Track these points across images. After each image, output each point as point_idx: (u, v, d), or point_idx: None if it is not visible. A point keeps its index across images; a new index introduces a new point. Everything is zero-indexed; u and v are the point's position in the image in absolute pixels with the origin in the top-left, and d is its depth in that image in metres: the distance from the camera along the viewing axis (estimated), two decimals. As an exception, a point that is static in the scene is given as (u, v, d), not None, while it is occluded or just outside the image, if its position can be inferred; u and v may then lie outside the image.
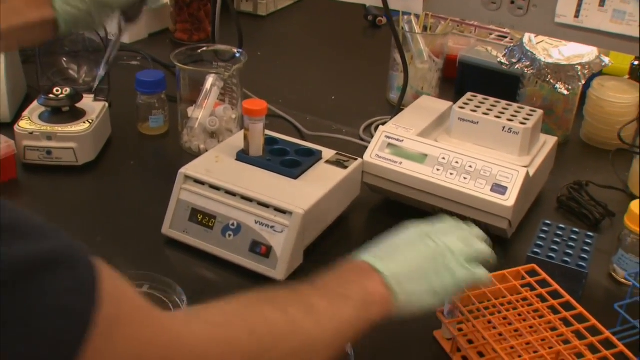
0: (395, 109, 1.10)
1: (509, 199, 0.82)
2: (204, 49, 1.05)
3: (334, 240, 0.87)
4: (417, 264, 0.59)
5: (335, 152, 0.90)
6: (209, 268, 0.81)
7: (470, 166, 0.85)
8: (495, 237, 0.87)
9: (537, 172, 0.88)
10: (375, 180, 0.90)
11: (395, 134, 0.89)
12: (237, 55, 1.05)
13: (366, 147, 0.90)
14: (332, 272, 0.57)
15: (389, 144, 0.89)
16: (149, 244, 0.84)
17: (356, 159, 0.89)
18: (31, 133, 0.95)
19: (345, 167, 0.87)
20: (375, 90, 1.28)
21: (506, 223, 0.83)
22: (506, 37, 1.33)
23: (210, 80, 1.01)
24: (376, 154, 0.89)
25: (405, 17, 1.17)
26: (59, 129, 0.95)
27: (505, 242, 0.87)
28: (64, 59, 1.13)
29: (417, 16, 1.18)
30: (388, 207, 0.94)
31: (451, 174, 0.85)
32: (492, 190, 0.83)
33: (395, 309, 0.56)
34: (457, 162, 0.85)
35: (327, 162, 0.88)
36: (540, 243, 0.80)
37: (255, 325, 0.46)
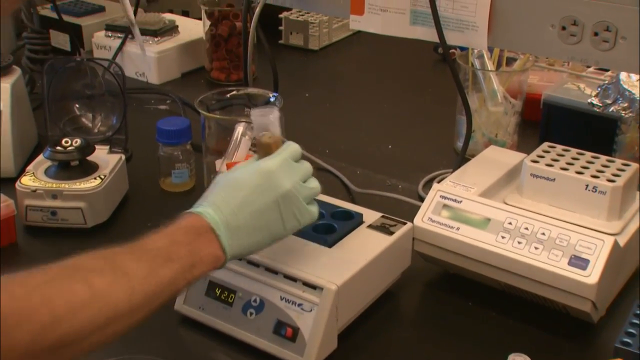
0: (455, 162, 1.10)
1: (592, 275, 0.80)
2: (234, 92, 1.10)
3: (378, 322, 0.87)
4: (258, 213, 0.75)
5: (380, 214, 0.92)
6: (228, 352, 0.83)
7: (544, 233, 0.84)
8: (577, 322, 0.85)
9: (630, 242, 0.86)
10: (429, 249, 0.90)
11: (452, 193, 0.90)
12: (272, 99, 1.08)
13: (425, 208, 0.91)
14: (164, 229, 0.71)
15: (445, 206, 0.89)
16: (161, 322, 0.87)
17: (405, 224, 0.90)
18: (34, 191, 1.00)
19: (392, 233, 0.88)
20: (442, 137, 1.29)
21: (589, 305, 0.81)
22: (608, 70, 1.31)
23: (239, 129, 1.04)
24: (429, 217, 0.90)
25: (476, 50, 1.19)
26: (66, 186, 1.01)
27: (589, 329, 0.85)
28: (77, 105, 1.20)
29: (490, 49, 1.19)
30: (446, 281, 0.94)
31: (519, 242, 0.84)
32: (570, 263, 0.81)
33: (225, 262, 0.74)
34: (526, 228, 0.85)
35: (370, 226, 0.89)
36: (633, 331, 0.78)
37: (52, 296, 0.60)
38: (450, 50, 1.28)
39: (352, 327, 0.85)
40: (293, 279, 0.81)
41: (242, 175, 0.77)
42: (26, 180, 1.02)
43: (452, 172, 0.99)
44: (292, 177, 0.77)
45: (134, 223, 1.07)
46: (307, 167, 0.81)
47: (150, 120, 1.33)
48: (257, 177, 0.76)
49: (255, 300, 0.82)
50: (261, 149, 0.81)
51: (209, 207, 0.74)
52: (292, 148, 0.81)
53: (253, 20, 1.13)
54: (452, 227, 0.88)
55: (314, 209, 0.80)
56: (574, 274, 0.81)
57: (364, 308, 0.87)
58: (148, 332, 0.84)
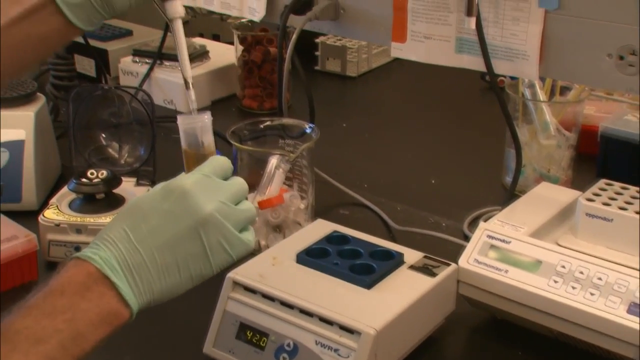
0: (504, 199, 1.11)
1: (653, 324, 0.80)
2: (268, 123, 1.12)
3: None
4: (170, 246, 0.66)
5: (422, 254, 0.93)
6: (259, 399, 0.84)
7: (600, 278, 0.84)
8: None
9: (694, 288, 0.86)
10: (474, 293, 0.91)
11: (500, 232, 0.91)
12: (308, 131, 1.10)
13: (469, 248, 0.92)
14: (42, 291, 0.63)
15: (492, 246, 0.90)
16: (188, 365, 0.89)
17: (449, 265, 0.91)
18: (57, 225, 1.03)
19: (435, 275, 0.89)
20: (489, 171, 1.29)
21: (649, 356, 0.81)
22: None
23: (273, 161, 1.06)
24: (475, 258, 0.90)
25: (527, 79, 1.20)
26: (91, 220, 1.04)
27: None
28: (103, 134, 1.23)
29: (542, 78, 1.20)
30: (493, 327, 0.94)
31: (573, 287, 0.84)
32: (629, 311, 0.81)
33: (133, 315, 0.67)
34: (581, 272, 0.85)
35: (412, 267, 0.91)
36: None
37: None
38: (499, 79, 1.30)
39: (392, 375, 0.85)
40: (329, 322, 0.82)
41: (147, 200, 0.68)
42: (49, 214, 1.05)
43: (500, 210, 1.00)
44: (214, 197, 0.68)
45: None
46: (237, 184, 0.73)
47: (179, 150, 1.36)
48: (167, 199, 0.68)
49: (288, 345, 0.83)
50: (190, 162, 0.75)
51: (103, 246, 0.65)
52: (215, 161, 0.73)
53: (289, 46, 1.16)
54: (500, 270, 0.88)
55: (249, 236, 0.72)
56: (634, 322, 0.81)
57: (405, 355, 0.87)
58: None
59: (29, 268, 1.01)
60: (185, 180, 0.69)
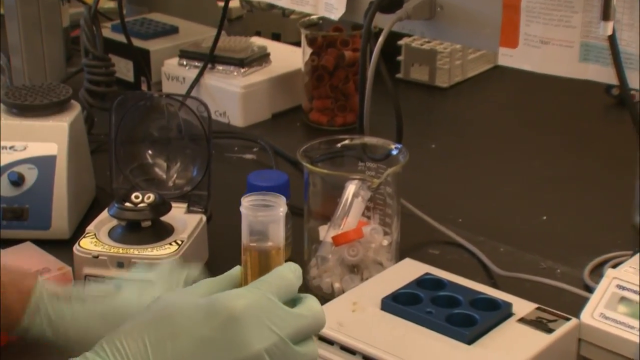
0: (635, 242, 1.11)
1: None
2: (346, 142, 1.15)
3: None
4: None
5: (535, 306, 0.94)
6: None
7: None
8: None
9: None
10: (600, 355, 0.92)
11: (632, 282, 0.92)
12: (394, 152, 1.12)
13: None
14: None
15: (623, 298, 0.91)
16: None
17: (568, 319, 0.92)
18: (96, 257, 1.07)
19: (551, 331, 0.90)
20: (615, 208, 1.29)
21: None
22: None
23: (351, 188, 1.08)
24: (601, 312, 0.92)
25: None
26: (136, 252, 1.07)
27: None
28: (150, 151, 1.27)
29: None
30: (621, 399, 0.95)
31: None
32: None
33: None
34: None
35: (522, 320, 0.92)
36: None
37: None
38: (632, 92, 1.31)
39: None
40: None
41: (184, 312, 0.65)
42: (86, 243, 1.08)
43: (631, 256, 1.01)
44: (270, 331, 0.65)
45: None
46: (306, 316, 0.68)
47: (233, 172, 1.40)
48: (209, 321, 0.65)
49: (371, 409, 0.86)
50: (250, 262, 0.72)
51: (111, 356, 0.64)
52: (282, 274, 0.69)
53: (375, 50, 1.18)
54: (632, 327, 0.89)
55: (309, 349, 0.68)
56: None
57: None
58: None
59: (63, 307, 1.05)
60: (237, 301, 0.65)
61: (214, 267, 1.17)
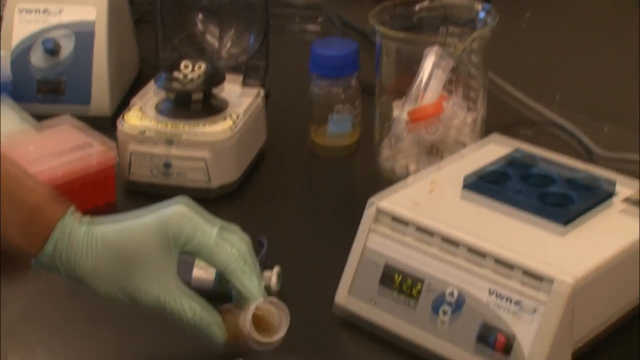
0: None
1: None
2: (426, 3, 1.13)
3: (634, 347, 0.89)
4: None
5: (641, 184, 0.93)
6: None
7: None
8: None
9: None
10: None
11: None
12: (482, 15, 1.11)
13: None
14: None
15: None
16: (314, 321, 0.92)
17: (680, 200, 0.91)
18: (143, 132, 1.08)
19: (660, 213, 0.90)
20: None
21: None
22: None
23: (431, 57, 1.07)
24: None
25: None
26: (186, 128, 1.08)
27: None
28: (201, 16, 1.26)
29: None
30: None
31: None
32: None
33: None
34: None
35: (627, 200, 0.91)
36: None
37: None
38: None
39: (595, 350, 0.86)
40: (509, 266, 0.83)
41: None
42: (132, 118, 1.09)
43: None
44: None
45: (272, 187, 1.14)
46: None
47: (294, 46, 1.40)
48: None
49: (451, 294, 0.85)
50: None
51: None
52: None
53: None
54: None
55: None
56: None
57: (614, 322, 0.88)
58: (298, 335, 0.89)
59: (106, 187, 1.06)
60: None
61: (273, 150, 1.18)
